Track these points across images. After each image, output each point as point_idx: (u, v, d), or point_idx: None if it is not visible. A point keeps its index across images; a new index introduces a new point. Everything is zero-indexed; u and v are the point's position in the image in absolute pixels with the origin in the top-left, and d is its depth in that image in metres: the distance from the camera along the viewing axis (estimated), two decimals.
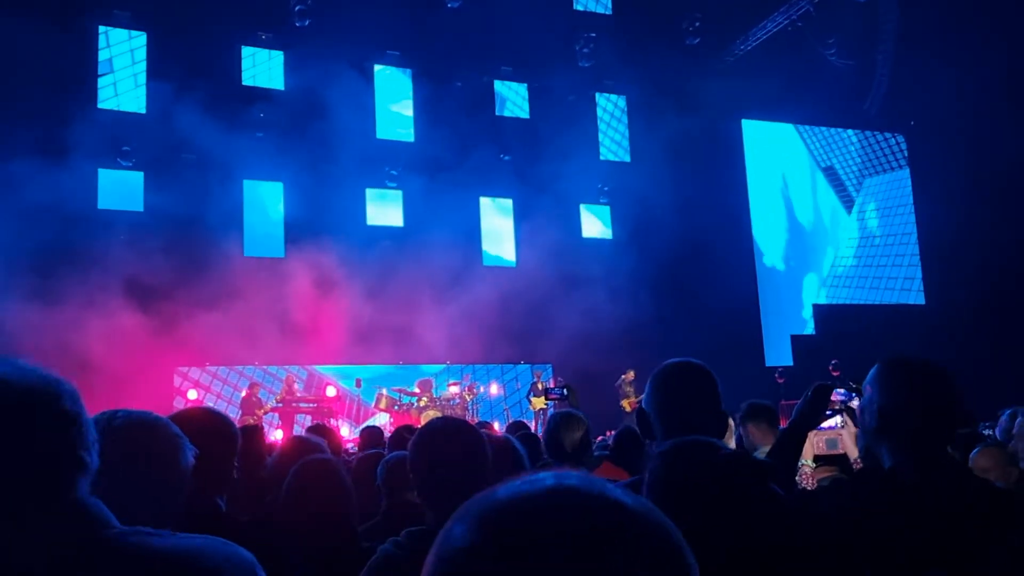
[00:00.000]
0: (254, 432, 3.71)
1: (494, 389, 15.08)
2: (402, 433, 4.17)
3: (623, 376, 13.60)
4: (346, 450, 6.73)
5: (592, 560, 0.56)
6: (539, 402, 14.10)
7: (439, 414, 13.37)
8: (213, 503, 1.98)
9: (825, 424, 2.67)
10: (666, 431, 1.94)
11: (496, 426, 10.45)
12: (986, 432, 4.71)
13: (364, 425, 7.00)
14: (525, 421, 7.51)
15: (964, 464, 1.85)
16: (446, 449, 1.88)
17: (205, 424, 1.96)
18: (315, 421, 12.53)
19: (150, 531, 1.03)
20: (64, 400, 1.04)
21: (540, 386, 14.31)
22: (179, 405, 11.46)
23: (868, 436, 1.88)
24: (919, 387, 1.79)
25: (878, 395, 1.82)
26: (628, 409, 13.22)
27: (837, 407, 2.66)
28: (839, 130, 19.36)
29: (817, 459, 2.59)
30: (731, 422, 3.27)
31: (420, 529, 1.83)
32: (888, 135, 19.61)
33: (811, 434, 2.65)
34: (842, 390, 2.99)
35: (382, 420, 13.18)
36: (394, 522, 2.36)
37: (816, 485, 2.55)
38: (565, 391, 7.45)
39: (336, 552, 2.17)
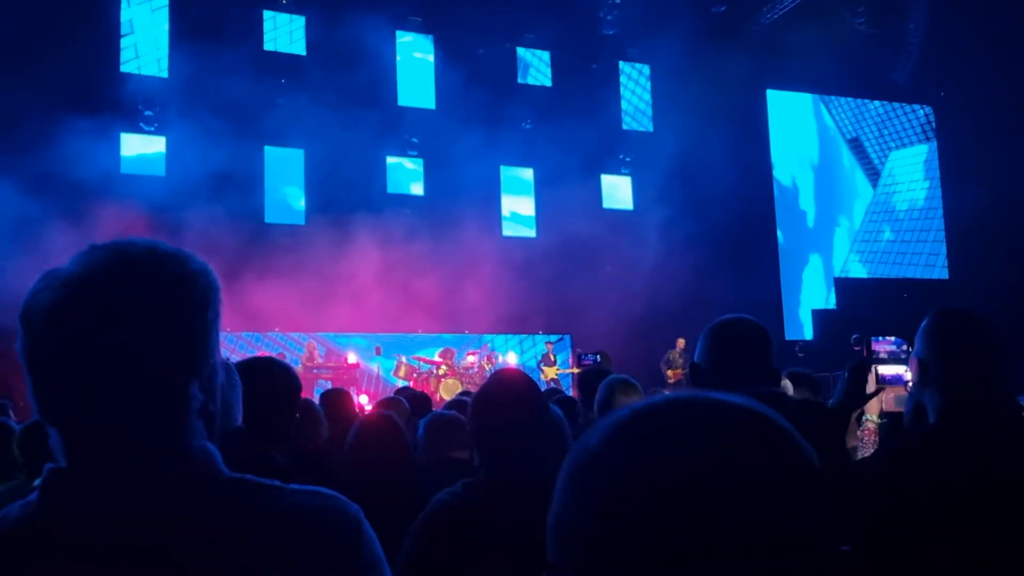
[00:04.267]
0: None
1: (512, 359, 15.13)
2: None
3: (677, 345, 13.35)
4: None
5: (718, 453, 0.58)
6: (551, 372, 14.13)
7: (458, 383, 13.45)
8: (269, 456, 1.96)
9: (889, 373, 2.64)
10: (718, 385, 1.93)
11: None
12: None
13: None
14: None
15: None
16: (509, 408, 1.91)
17: (264, 375, 1.95)
18: (335, 387, 12.67)
19: (259, 480, 0.99)
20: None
21: (552, 357, 14.34)
22: None
23: (914, 389, 1.88)
24: (959, 339, 1.77)
25: (921, 347, 1.83)
26: (671, 380, 13.02)
27: (877, 385, 2.64)
28: (865, 101, 19.04)
29: (883, 416, 2.56)
30: (789, 385, 3.24)
31: (475, 480, 1.89)
32: (916, 106, 19.26)
33: (878, 388, 2.64)
34: (892, 338, 2.96)
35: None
36: (435, 478, 2.41)
37: (877, 443, 2.54)
38: (599, 357, 7.40)
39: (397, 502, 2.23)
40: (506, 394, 1.94)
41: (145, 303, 0.95)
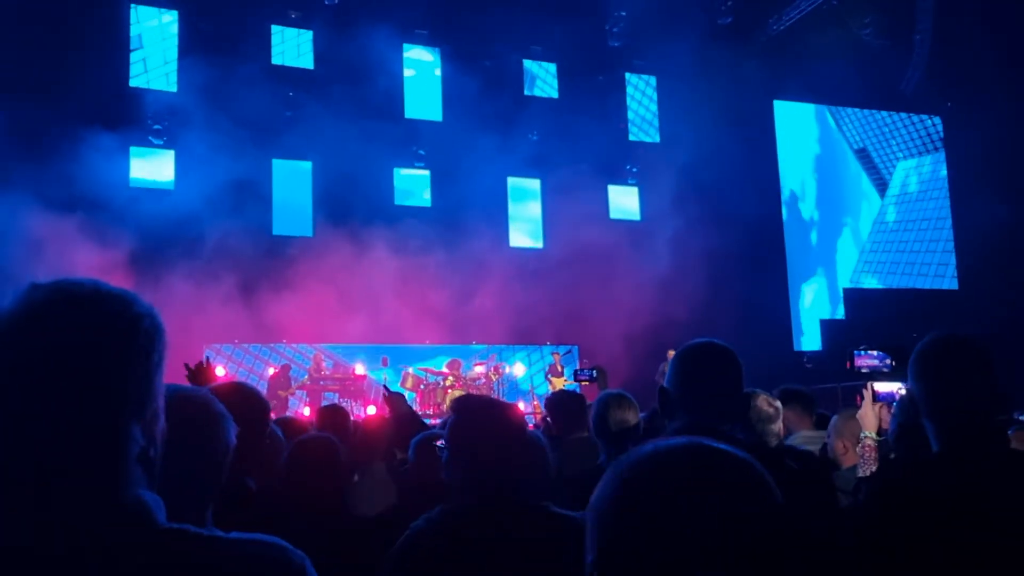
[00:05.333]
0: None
1: (519, 370, 15.11)
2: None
3: (668, 357, 13.43)
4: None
5: (701, 495, 0.78)
6: (559, 383, 14.10)
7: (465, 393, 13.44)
8: (242, 482, 1.94)
9: (883, 389, 2.61)
10: (686, 411, 1.93)
11: (521, 405, 10.47)
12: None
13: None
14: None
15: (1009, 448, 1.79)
16: (486, 432, 1.87)
17: (238, 399, 1.91)
18: (342, 399, 12.69)
19: (196, 530, 0.95)
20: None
21: (560, 367, 14.31)
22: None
23: (897, 411, 1.87)
24: (954, 368, 1.75)
25: (910, 380, 1.82)
26: None
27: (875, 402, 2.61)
28: (873, 111, 19.01)
29: (882, 433, 2.54)
30: (779, 406, 3.21)
31: (452, 505, 1.84)
32: (924, 117, 19.21)
33: (876, 406, 2.63)
34: (875, 352, 2.93)
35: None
36: (425, 499, 2.37)
37: (877, 460, 2.52)
38: (595, 373, 7.36)
39: (325, 526, 2.19)
40: (485, 419, 1.91)
41: (85, 344, 0.92)
